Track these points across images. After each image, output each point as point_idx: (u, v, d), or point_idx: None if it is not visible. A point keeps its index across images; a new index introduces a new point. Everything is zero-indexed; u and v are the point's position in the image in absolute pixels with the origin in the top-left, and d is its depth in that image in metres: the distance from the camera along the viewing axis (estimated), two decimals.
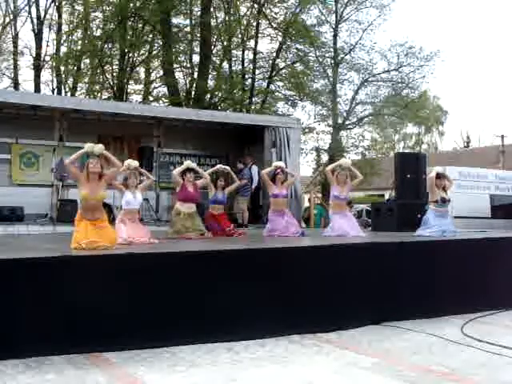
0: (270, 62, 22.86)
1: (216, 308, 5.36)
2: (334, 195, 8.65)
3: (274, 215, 8.99)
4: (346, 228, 8.41)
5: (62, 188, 12.06)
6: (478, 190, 15.48)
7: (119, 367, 4.53)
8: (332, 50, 23.38)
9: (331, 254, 6.30)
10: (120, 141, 13.42)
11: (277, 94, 23.93)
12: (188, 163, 8.43)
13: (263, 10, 22.35)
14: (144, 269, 5.26)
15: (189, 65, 22.61)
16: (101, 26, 22.32)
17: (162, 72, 22.74)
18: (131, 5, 21.14)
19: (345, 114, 24.01)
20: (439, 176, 8.32)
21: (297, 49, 23.11)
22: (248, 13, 22.82)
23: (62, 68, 23.03)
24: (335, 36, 23.50)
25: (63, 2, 23.00)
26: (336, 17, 23.50)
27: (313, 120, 24.61)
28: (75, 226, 6.11)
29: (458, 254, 7.11)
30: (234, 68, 22.75)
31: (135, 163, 7.40)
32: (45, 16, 23.38)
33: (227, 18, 22.12)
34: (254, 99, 22.55)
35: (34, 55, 23.26)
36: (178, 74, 22.93)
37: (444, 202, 8.16)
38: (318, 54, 23.15)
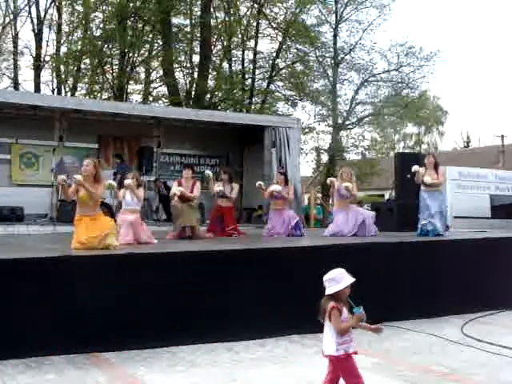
0: (270, 62, 22.85)
1: (216, 308, 5.36)
2: (340, 193, 8.62)
3: (274, 214, 8.98)
4: (342, 226, 8.43)
5: (62, 188, 12.05)
6: (478, 190, 15.46)
7: (119, 367, 4.54)
8: (332, 49, 23.37)
9: (331, 254, 6.30)
10: (120, 141, 13.41)
11: (277, 94, 23.92)
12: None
13: (263, 10, 22.34)
14: (144, 269, 5.26)
15: (189, 65, 22.61)
16: (101, 26, 22.31)
17: (161, 72, 22.73)
18: (131, 5, 21.12)
19: (345, 114, 24.01)
20: (426, 155, 8.53)
21: (297, 49, 23.11)
22: (248, 13, 22.83)
23: (62, 68, 23.00)
24: (335, 36, 23.49)
25: (63, 2, 22.96)
26: (336, 17, 23.49)
27: (313, 120, 24.61)
28: (75, 226, 6.12)
29: (458, 254, 7.12)
30: (233, 68, 22.75)
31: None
32: (45, 16, 23.34)
33: (227, 18, 22.11)
34: (254, 99, 22.54)
35: (34, 55, 23.21)
36: (178, 74, 22.97)
37: (426, 185, 8.19)
38: (318, 54, 23.15)
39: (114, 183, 7.39)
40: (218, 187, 8.82)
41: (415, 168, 8.29)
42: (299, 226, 9.03)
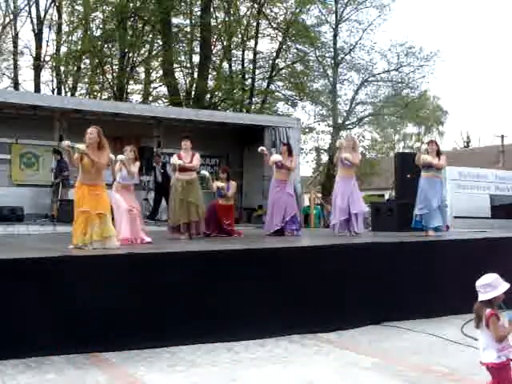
0: (270, 62, 22.86)
1: (216, 308, 5.36)
2: (341, 161, 8.59)
3: (276, 185, 8.87)
4: (345, 204, 8.40)
5: (62, 188, 12.06)
6: (478, 190, 15.46)
7: (119, 367, 4.53)
8: (332, 49, 23.37)
9: (331, 254, 6.30)
10: (120, 141, 13.38)
11: (277, 94, 23.93)
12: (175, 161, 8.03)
13: (263, 10, 22.34)
14: (144, 269, 5.26)
15: (189, 65, 22.61)
16: (101, 26, 22.33)
17: (161, 72, 22.73)
18: (131, 5, 21.14)
19: (345, 114, 24.00)
20: (429, 143, 8.47)
21: (297, 49, 23.12)
22: (248, 13, 22.84)
23: (62, 68, 23.01)
24: (335, 36, 23.48)
25: (63, 2, 22.96)
26: (336, 17, 23.48)
27: (313, 120, 24.63)
28: (75, 193, 6.12)
29: (458, 254, 7.11)
30: (233, 68, 22.75)
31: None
32: (45, 16, 23.35)
33: (227, 18, 22.12)
34: (254, 99, 22.55)
35: (34, 55, 23.23)
36: (178, 74, 22.97)
37: (428, 167, 8.18)
38: (318, 53, 23.16)
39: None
40: (219, 183, 8.86)
41: (418, 144, 8.31)
42: (295, 220, 8.98)
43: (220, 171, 9.29)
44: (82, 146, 6.05)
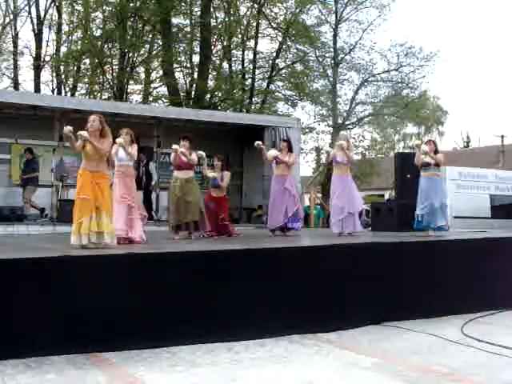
0: (270, 62, 22.88)
1: (216, 308, 5.36)
2: (336, 160, 8.59)
3: (277, 181, 8.88)
4: (342, 203, 8.41)
5: (61, 188, 12.06)
6: (478, 190, 15.48)
7: (119, 367, 4.53)
8: (332, 49, 23.40)
9: (331, 254, 6.30)
10: None
11: (277, 94, 23.95)
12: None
13: (263, 10, 22.36)
14: (144, 269, 5.26)
15: (189, 65, 22.63)
16: (101, 26, 22.34)
17: (162, 72, 22.74)
18: (131, 5, 21.15)
19: (345, 114, 24.02)
20: (427, 142, 8.48)
21: (297, 49, 23.14)
22: (248, 13, 22.86)
23: (62, 68, 23.03)
24: (335, 36, 23.51)
25: (63, 2, 22.96)
26: (336, 17, 23.50)
27: (313, 120, 24.66)
28: (77, 180, 6.10)
29: (458, 254, 7.11)
30: (233, 68, 22.77)
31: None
32: (45, 16, 23.37)
33: (227, 18, 22.13)
34: (254, 99, 22.57)
35: (34, 55, 23.24)
36: (178, 74, 22.99)
37: (426, 165, 8.18)
38: (317, 54, 23.20)
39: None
40: (211, 173, 8.82)
41: (418, 142, 8.33)
42: (296, 218, 8.96)
43: (215, 159, 9.16)
44: (84, 133, 6.05)
